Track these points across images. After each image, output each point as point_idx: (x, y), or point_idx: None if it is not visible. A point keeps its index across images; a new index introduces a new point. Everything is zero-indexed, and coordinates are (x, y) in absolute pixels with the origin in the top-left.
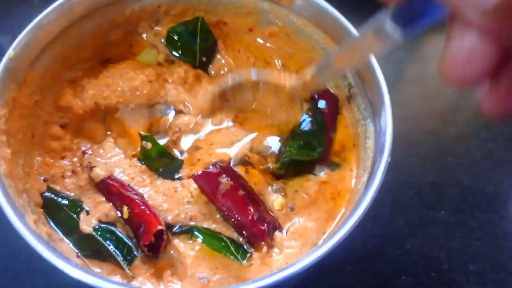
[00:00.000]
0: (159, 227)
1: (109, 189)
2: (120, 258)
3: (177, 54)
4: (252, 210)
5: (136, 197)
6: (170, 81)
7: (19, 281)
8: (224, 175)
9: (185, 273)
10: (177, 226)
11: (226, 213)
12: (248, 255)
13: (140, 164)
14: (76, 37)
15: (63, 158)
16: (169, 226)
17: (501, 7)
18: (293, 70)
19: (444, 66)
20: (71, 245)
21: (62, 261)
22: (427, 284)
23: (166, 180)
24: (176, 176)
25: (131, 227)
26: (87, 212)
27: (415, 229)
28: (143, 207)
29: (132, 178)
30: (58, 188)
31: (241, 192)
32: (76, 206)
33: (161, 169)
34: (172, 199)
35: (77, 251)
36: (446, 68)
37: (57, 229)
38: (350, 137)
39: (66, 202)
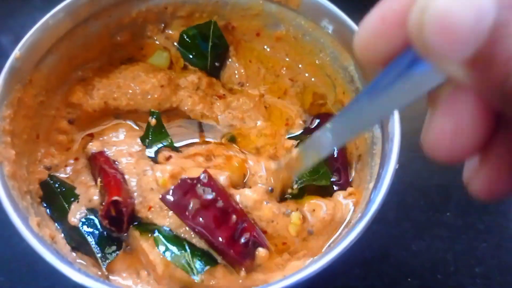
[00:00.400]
0: (114, 198)
1: (95, 163)
2: (99, 255)
3: (189, 57)
4: (228, 229)
5: (111, 170)
6: (182, 86)
7: (22, 284)
8: (199, 185)
9: (160, 282)
10: (138, 220)
11: (200, 235)
12: (207, 267)
13: (140, 142)
14: (82, 38)
15: (68, 149)
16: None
17: (479, 58)
18: (300, 83)
19: (428, 143)
20: (63, 235)
21: (65, 265)
22: (434, 286)
23: (147, 161)
24: (156, 149)
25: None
26: (78, 200)
27: (421, 231)
28: (110, 179)
29: (122, 153)
30: (57, 174)
31: (217, 208)
32: (70, 195)
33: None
34: (140, 182)
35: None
36: (431, 145)
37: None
38: (354, 149)
39: (63, 189)
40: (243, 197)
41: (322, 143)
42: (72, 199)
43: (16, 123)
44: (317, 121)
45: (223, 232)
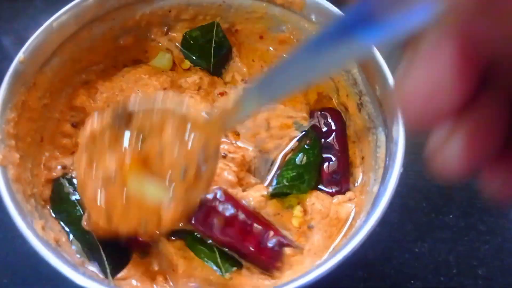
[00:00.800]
0: None
1: None
2: (108, 266)
3: (193, 58)
4: (254, 237)
5: None
6: (184, 87)
7: (27, 286)
8: (218, 204)
9: (177, 282)
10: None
11: (229, 246)
12: (234, 268)
13: None
14: (87, 40)
15: (72, 153)
16: None
17: None
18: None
19: (399, 98)
20: (72, 239)
21: (69, 269)
22: None
23: None
24: None
25: None
26: None
27: (424, 233)
28: None
29: None
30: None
31: (239, 220)
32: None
33: None
34: None
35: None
36: (403, 101)
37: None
38: (358, 151)
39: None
40: (249, 199)
41: (263, 90)
42: None
43: (21, 126)
44: (320, 113)
45: (251, 241)
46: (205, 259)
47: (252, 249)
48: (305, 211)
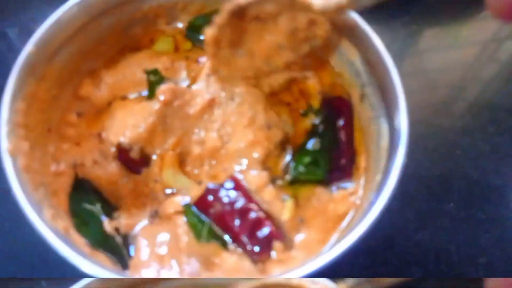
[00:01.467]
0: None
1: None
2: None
3: (197, 44)
4: (247, 226)
5: None
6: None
7: (33, 274)
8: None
9: (180, 255)
10: None
11: (220, 228)
12: (212, 241)
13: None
14: (96, 32)
15: (78, 144)
16: None
17: None
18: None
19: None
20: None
21: (79, 256)
22: (437, 276)
23: None
24: None
25: None
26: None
27: (424, 221)
28: None
29: None
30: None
31: (236, 209)
32: (109, 208)
33: None
34: None
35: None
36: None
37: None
38: (361, 138)
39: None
40: (248, 180)
41: None
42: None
43: (30, 117)
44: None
45: (243, 229)
46: (191, 225)
47: (243, 239)
48: (297, 205)
